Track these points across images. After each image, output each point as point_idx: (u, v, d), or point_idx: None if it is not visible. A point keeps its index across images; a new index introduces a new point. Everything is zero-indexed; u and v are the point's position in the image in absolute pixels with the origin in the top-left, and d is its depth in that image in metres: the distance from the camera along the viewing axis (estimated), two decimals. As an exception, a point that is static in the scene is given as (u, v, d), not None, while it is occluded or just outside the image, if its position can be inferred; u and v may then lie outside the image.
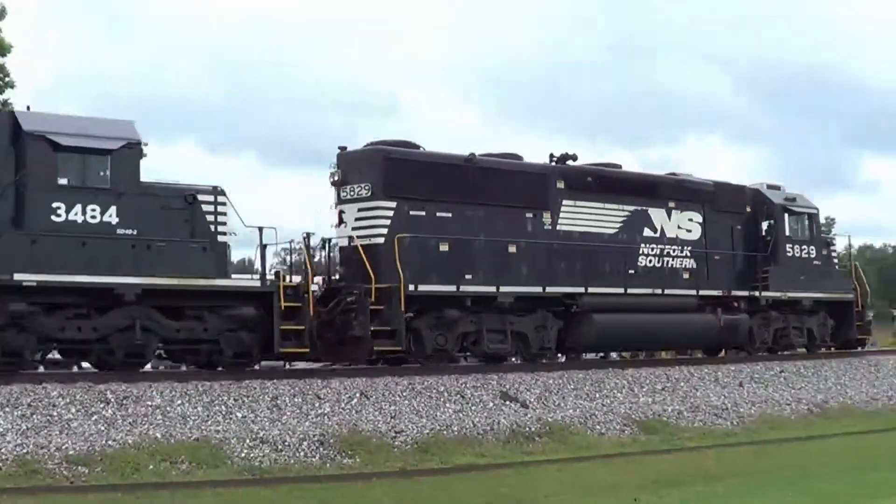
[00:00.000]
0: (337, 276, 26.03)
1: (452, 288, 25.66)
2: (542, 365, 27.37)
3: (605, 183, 29.70)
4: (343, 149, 26.44)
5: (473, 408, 22.85)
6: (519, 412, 23.18)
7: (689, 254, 31.54)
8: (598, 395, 25.41)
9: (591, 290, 28.15)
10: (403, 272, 24.42)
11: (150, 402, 19.72)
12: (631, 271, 29.75)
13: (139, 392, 20.03)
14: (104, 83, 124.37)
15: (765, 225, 34.37)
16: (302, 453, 19.01)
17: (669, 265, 30.99)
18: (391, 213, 25.33)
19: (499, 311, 26.64)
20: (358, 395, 22.02)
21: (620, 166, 31.82)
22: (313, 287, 24.00)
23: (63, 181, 20.93)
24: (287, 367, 26.03)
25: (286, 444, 19.06)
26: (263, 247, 23.85)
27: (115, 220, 21.21)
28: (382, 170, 25.49)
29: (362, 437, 20.11)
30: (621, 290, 29.01)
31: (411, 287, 24.61)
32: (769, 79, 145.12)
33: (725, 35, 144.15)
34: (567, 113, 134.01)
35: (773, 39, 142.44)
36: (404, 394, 22.67)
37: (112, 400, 19.49)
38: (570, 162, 29.43)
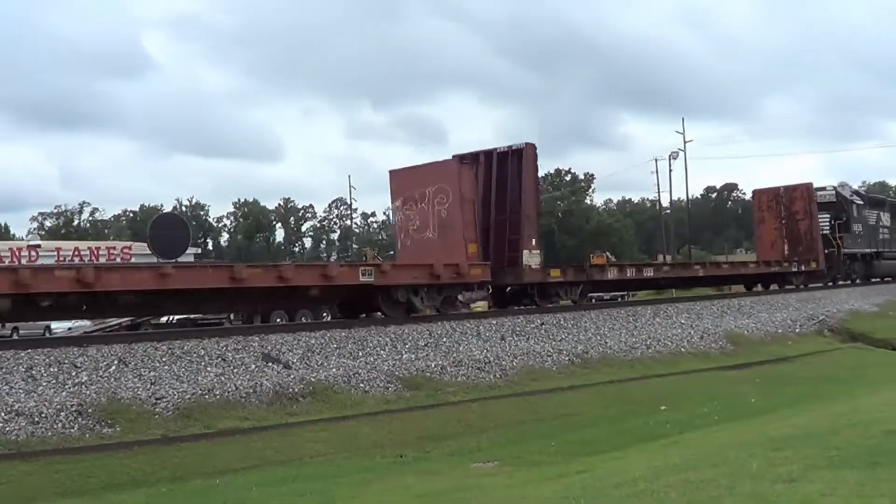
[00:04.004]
0: None
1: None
2: (304, 325, 28.04)
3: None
4: None
5: (235, 370, 23.27)
6: (282, 373, 23.67)
7: None
8: (361, 354, 26.09)
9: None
10: None
11: None
12: None
13: None
14: None
15: None
16: (60, 424, 19.07)
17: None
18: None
19: None
20: (116, 361, 22.20)
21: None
22: None
23: None
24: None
25: (43, 415, 19.11)
26: None
27: None
28: None
29: (122, 405, 20.28)
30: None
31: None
32: (528, 41, 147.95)
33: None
34: (320, 73, 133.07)
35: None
36: (164, 359, 22.94)
37: None
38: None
